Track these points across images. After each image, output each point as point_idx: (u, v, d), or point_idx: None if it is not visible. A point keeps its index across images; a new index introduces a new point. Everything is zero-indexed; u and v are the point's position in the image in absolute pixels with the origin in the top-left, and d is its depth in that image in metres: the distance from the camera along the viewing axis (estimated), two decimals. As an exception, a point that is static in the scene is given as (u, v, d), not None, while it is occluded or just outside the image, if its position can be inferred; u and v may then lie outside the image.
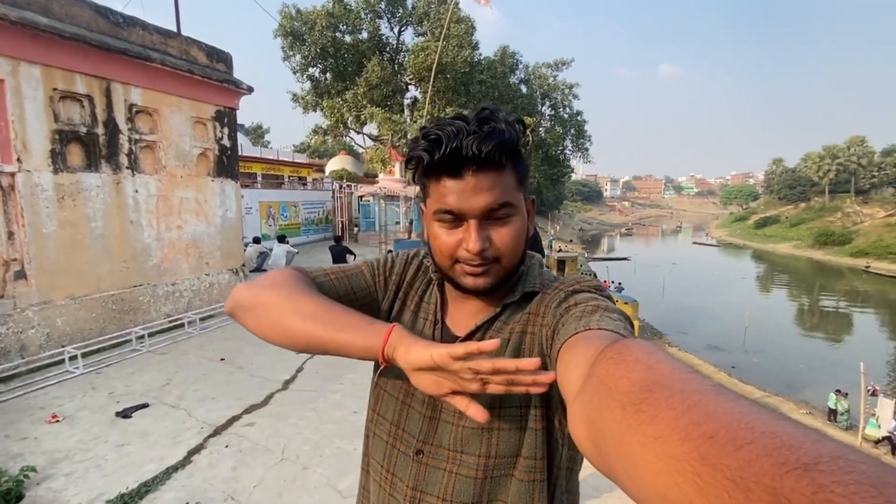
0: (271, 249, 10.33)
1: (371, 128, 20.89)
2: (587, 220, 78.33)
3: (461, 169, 0.63)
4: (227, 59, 6.52)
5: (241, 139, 24.23)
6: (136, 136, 5.37)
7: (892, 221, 43.44)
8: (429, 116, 17.30)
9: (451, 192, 0.64)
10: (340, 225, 17.61)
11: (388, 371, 0.73)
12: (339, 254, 9.78)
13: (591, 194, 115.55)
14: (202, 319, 5.86)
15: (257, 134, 39.69)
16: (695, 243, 68.05)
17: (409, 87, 20.07)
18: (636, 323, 19.41)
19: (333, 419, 3.61)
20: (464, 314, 0.75)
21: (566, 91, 22.47)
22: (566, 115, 22.66)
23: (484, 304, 0.73)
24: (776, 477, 0.20)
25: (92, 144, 4.91)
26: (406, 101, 20.40)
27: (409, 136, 18.42)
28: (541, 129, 20.50)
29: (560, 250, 31.11)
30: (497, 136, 0.62)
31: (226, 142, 6.56)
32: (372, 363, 0.77)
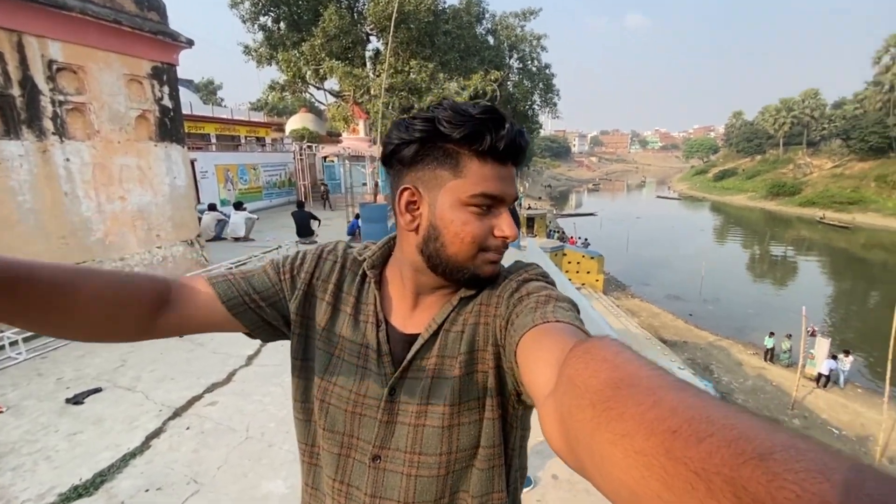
0: (229, 216, 9.87)
1: (332, 83, 19.80)
2: (555, 177, 78.97)
3: (506, 158, 0.63)
4: (160, 7, 5.86)
5: (191, 97, 22.59)
6: (61, 98, 4.82)
7: (837, 172, 45.75)
8: (391, 70, 16.49)
9: (496, 177, 0.63)
10: (303, 189, 16.93)
11: (326, 380, 0.71)
12: (303, 219, 9.47)
13: (559, 150, 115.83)
14: (157, 294, 5.59)
15: (208, 91, 37.09)
16: (658, 197, 70.06)
17: (371, 37, 18.95)
18: (601, 276, 20.14)
19: (299, 393, 3.56)
20: (413, 310, 0.72)
21: (534, 43, 21.81)
22: (534, 69, 22.12)
23: (439, 297, 0.71)
24: (734, 467, 0.21)
25: (8, 108, 4.38)
26: (368, 54, 19.31)
27: (371, 92, 17.57)
28: (509, 83, 19.95)
29: (529, 207, 31.39)
30: (527, 135, 0.65)
31: (167, 102, 6.03)
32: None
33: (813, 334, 13.45)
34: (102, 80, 5.19)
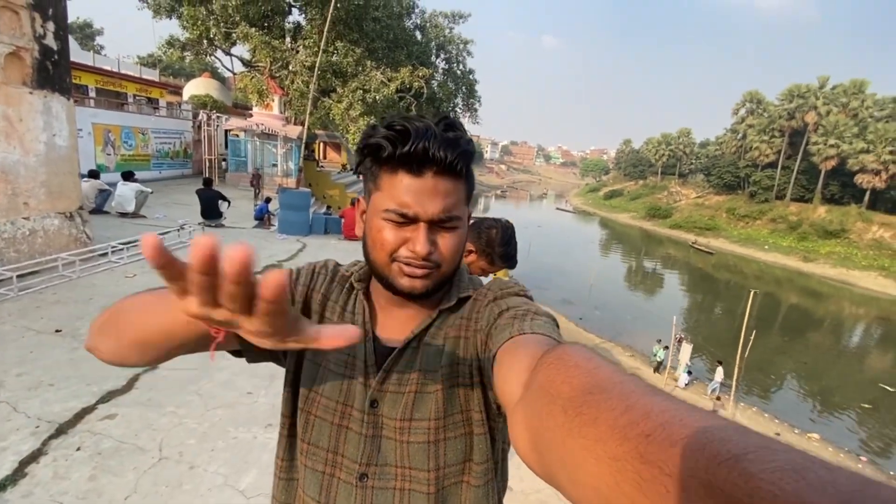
0: (114, 186, 8.43)
1: (242, 50, 18.00)
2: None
3: (423, 168, 0.61)
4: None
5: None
6: None
7: (699, 202, 53.64)
8: (316, 48, 15.49)
9: (409, 190, 0.62)
10: (208, 164, 15.18)
11: (314, 391, 0.71)
12: (210, 200, 8.47)
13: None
14: (21, 277, 4.54)
15: (84, 34, 31.46)
16: (557, 209, 75.78)
17: (293, 9, 17.60)
18: (507, 279, 21.20)
19: (224, 403, 3.13)
20: (396, 322, 0.71)
21: (461, 46, 22.11)
22: (459, 72, 22.43)
23: (417, 311, 0.71)
24: (709, 469, 0.22)
25: None
26: (288, 26, 17.91)
27: (290, 67, 16.34)
28: (434, 82, 19.96)
29: (442, 207, 31.76)
30: (463, 145, 0.62)
31: (51, 42, 4.93)
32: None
33: (680, 341, 15.56)
34: (-40, 1, 4.07)
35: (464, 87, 22.61)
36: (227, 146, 17.75)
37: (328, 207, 14.93)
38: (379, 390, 0.68)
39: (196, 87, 20.62)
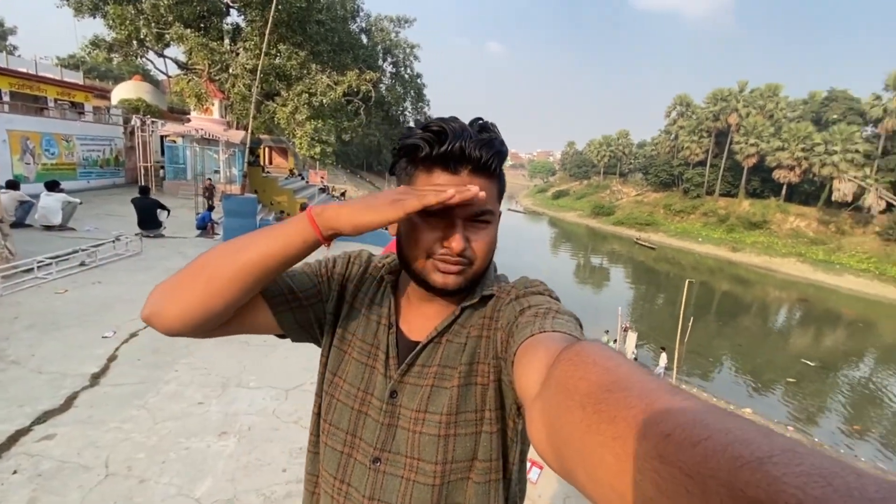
0: (37, 197, 7.79)
1: (176, 51, 17.13)
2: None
3: (459, 167, 0.64)
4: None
5: (-33, 36, 17.12)
6: None
7: (639, 199, 56.76)
8: (256, 51, 15.02)
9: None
10: (143, 171, 14.32)
11: (338, 377, 0.75)
12: (148, 209, 8.04)
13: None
14: (-69, 297, 4.13)
15: (-8, 32, 28.65)
16: (508, 209, 77.46)
17: (231, 10, 16.98)
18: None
19: (173, 415, 3.03)
20: (420, 317, 0.74)
21: (408, 50, 22.24)
22: (407, 76, 22.52)
23: (442, 307, 0.73)
24: (732, 471, 0.21)
25: None
26: (226, 27, 17.23)
27: (231, 70, 15.73)
28: (382, 85, 19.92)
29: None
30: (497, 145, 0.65)
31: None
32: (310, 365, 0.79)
33: (626, 330, 16.43)
34: None
35: (412, 91, 22.72)
36: (163, 153, 16.81)
37: (282, 212, 14.51)
38: (399, 382, 0.70)
39: (126, 91, 19.39)
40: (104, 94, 19.70)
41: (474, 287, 0.72)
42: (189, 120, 16.45)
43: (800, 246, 37.45)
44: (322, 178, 21.88)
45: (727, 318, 25.33)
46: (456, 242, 0.64)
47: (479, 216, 0.66)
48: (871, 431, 13.44)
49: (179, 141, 16.45)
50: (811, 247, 36.80)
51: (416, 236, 0.67)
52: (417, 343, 0.72)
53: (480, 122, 0.67)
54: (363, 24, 21.49)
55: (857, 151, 35.28)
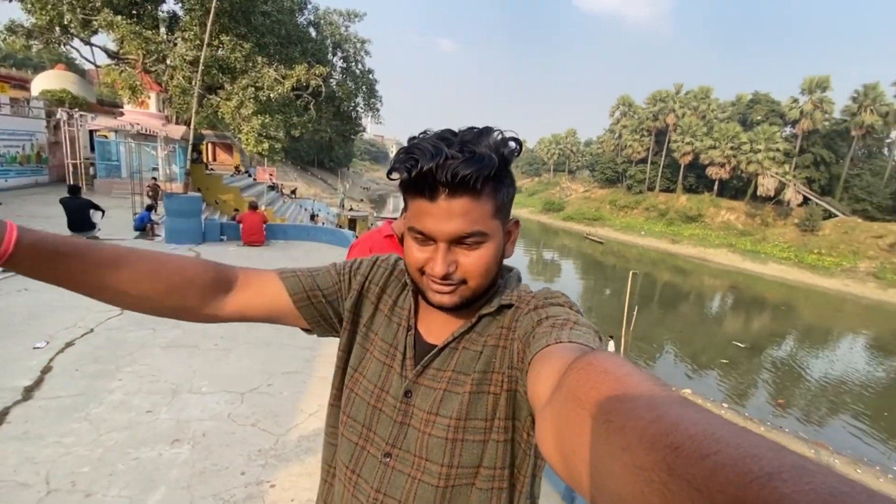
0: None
1: (106, 39, 15.90)
2: (374, 180, 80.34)
3: (435, 192, 0.62)
4: None
5: None
6: None
7: (587, 195, 59.11)
8: (198, 42, 14.24)
9: (425, 213, 0.64)
10: (72, 168, 13.23)
11: (359, 372, 0.78)
12: (80, 210, 7.45)
13: (378, 154, 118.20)
14: None
15: None
16: (461, 206, 78.22)
17: (167, -3, 15.98)
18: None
19: (119, 425, 2.88)
20: (438, 322, 0.76)
21: (358, 45, 21.84)
22: (358, 71, 22.14)
23: (460, 314, 0.74)
24: (740, 486, 0.21)
25: None
26: (161, 15, 16.21)
27: (168, 62, 14.82)
28: (332, 80, 19.48)
29: (351, 209, 31.21)
30: (476, 162, 0.60)
31: None
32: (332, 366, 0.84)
33: (577, 322, 17.11)
34: None
35: (364, 87, 22.35)
36: (93, 149, 15.62)
37: (236, 210, 13.87)
38: (414, 382, 0.72)
39: (49, 81, 17.83)
40: (23, 85, 18.00)
41: (490, 295, 0.73)
42: (122, 114, 15.42)
43: (730, 237, 40.51)
44: (271, 175, 21.14)
45: (668, 306, 27.01)
46: (439, 267, 0.65)
47: (466, 238, 0.64)
48: (794, 405, 14.84)
49: (112, 136, 15.37)
50: (740, 238, 39.93)
51: (408, 254, 0.69)
52: (434, 346, 0.74)
53: (469, 133, 0.64)
54: (311, 17, 20.89)
55: (777, 150, 38.72)
